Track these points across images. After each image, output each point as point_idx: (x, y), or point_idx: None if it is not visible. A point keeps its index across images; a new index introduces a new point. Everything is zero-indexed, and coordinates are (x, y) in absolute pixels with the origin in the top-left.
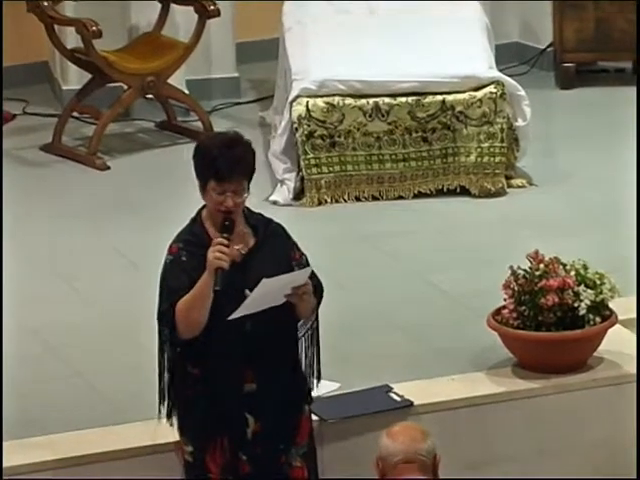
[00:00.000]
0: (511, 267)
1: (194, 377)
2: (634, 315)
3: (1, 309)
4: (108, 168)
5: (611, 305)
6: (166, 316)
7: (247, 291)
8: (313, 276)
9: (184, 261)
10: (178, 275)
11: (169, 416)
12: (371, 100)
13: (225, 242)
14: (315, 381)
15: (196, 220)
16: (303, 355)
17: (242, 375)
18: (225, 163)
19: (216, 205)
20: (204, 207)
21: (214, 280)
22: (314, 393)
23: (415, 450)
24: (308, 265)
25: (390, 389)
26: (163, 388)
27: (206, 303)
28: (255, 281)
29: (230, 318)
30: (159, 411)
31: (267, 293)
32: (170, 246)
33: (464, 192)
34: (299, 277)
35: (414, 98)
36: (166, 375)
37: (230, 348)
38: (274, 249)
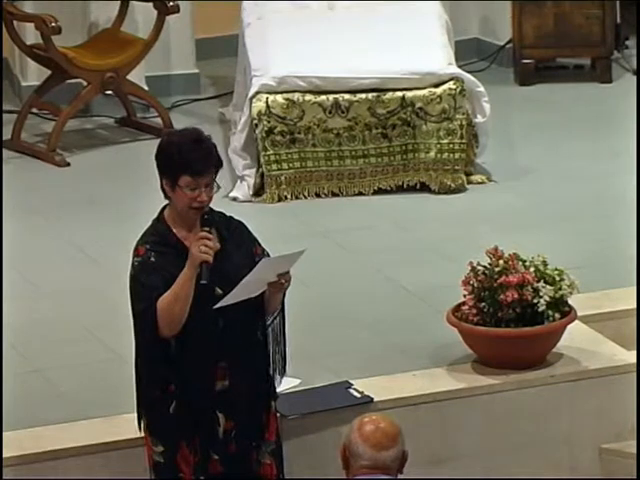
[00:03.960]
0: (471, 263)
1: (166, 378)
2: (593, 311)
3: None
4: (68, 164)
5: (570, 301)
6: (147, 314)
7: (217, 289)
8: None
9: (153, 261)
10: (151, 274)
11: (139, 416)
12: (331, 96)
13: (210, 236)
14: (278, 376)
15: (159, 220)
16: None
17: (214, 371)
18: (199, 157)
19: (190, 201)
20: (165, 207)
21: (199, 274)
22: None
23: (383, 459)
24: None
25: (350, 385)
26: (140, 389)
27: (189, 298)
28: (221, 279)
29: (218, 306)
30: (138, 412)
31: (259, 277)
32: (136, 248)
33: (424, 188)
34: (293, 258)
35: (374, 94)
36: (141, 375)
37: (203, 344)
38: (237, 246)
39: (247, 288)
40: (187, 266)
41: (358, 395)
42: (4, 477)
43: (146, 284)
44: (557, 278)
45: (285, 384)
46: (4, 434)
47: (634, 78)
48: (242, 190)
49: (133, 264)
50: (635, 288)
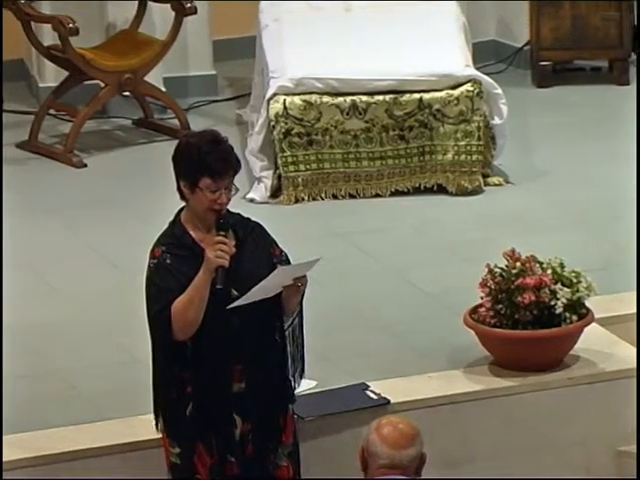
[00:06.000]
0: (488, 265)
1: (182, 379)
2: (610, 314)
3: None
4: (85, 166)
5: (587, 303)
6: (161, 317)
7: (233, 291)
8: None
9: (169, 264)
10: (166, 277)
11: (157, 417)
12: (348, 98)
13: (225, 240)
14: (298, 378)
15: (175, 222)
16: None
17: (231, 374)
18: (219, 158)
19: (210, 203)
20: (182, 210)
21: (215, 278)
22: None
23: (401, 458)
24: (288, 261)
25: (367, 387)
26: (157, 391)
27: (204, 302)
28: (238, 281)
29: (231, 307)
30: (155, 413)
31: (274, 282)
32: (152, 250)
33: (441, 190)
34: (309, 266)
35: (391, 96)
36: (157, 377)
37: (219, 346)
38: (255, 248)
39: (261, 291)
40: (202, 270)
41: (375, 397)
42: (20, 478)
43: (161, 286)
44: (574, 280)
45: (302, 386)
46: (21, 435)
47: None
48: (259, 191)
49: (149, 266)
50: None
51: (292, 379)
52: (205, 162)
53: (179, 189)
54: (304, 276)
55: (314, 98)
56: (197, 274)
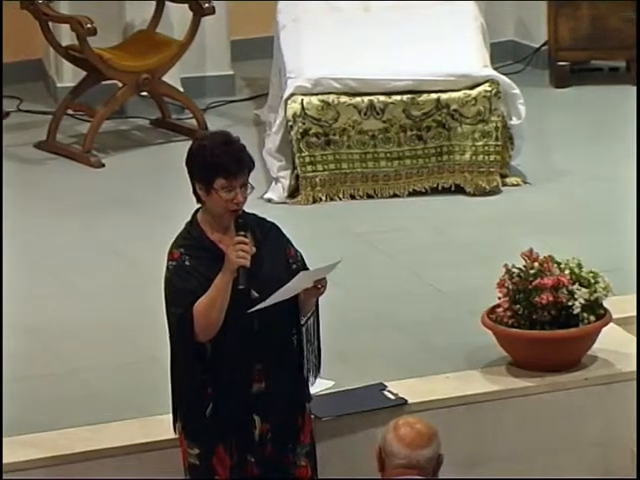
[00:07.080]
0: (505, 265)
1: (203, 381)
2: (628, 314)
3: (1, 308)
4: (103, 165)
5: (605, 304)
6: (184, 319)
7: (253, 292)
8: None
9: (188, 265)
10: (186, 279)
11: (175, 419)
12: (366, 98)
13: (246, 240)
14: (312, 377)
15: (192, 224)
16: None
17: (251, 374)
18: (232, 158)
19: (226, 203)
20: (198, 211)
21: (237, 278)
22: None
23: (417, 458)
24: (303, 261)
25: (384, 387)
26: (176, 392)
27: (226, 303)
28: (256, 281)
29: (253, 310)
30: (174, 416)
31: (297, 285)
32: (171, 252)
33: (459, 190)
34: (329, 268)
35: (409, 96)
36: (177, 379)
37: (239, 347)
38: (271, 248)
39: (283, 294)
40: (223, 271)
41: (392, 397)
42: (36, 478)
43: (182, 289)
44: (592, 280)
45: (319, 386)
46: (37, 435)
47: None
48: (277, 192)
49: (168, 268)
50: None
51: (307, 377)
52: (219, 163)
53: (195, 192)
54: (324, 278)
55: (332, 98)
56: (216, 275)
